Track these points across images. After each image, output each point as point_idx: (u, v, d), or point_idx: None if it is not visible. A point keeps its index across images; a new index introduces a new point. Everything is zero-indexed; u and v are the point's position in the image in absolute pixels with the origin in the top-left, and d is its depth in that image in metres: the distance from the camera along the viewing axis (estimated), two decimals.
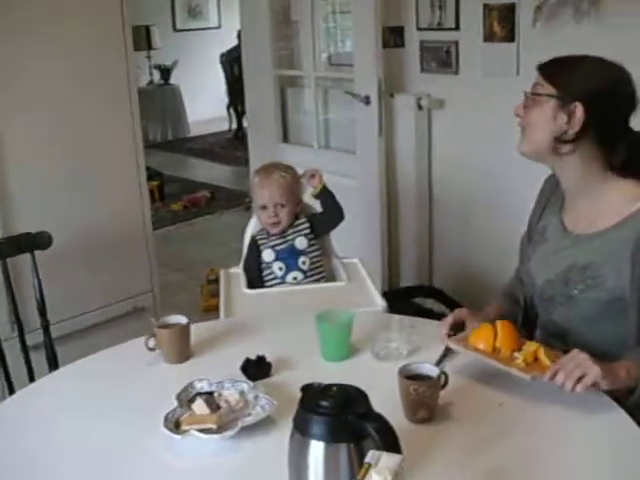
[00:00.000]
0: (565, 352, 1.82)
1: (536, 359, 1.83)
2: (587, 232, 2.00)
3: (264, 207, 2.84)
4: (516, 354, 1.85)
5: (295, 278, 2.81)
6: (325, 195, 2.93)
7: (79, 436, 1.76)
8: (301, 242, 2.85)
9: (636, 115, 1.95)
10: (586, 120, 1.91)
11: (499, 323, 1.92)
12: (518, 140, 2.04)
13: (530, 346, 1.86)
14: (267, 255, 2.86)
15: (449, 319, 2.06)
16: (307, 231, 2.87)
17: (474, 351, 1.90)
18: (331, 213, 2.94)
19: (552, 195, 2.17)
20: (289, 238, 2.85)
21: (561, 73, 1.97)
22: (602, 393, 1.76)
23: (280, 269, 2.82)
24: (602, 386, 1.72)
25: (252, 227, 3.00)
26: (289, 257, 2.83)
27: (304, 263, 2.83)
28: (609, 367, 1.73)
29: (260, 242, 2.88)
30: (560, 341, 2.02)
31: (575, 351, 1.76)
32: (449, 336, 2.01)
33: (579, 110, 1.90)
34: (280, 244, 2.85)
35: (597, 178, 1.97)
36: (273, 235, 2.86)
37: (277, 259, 2.84)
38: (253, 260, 2.88)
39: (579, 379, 1.70)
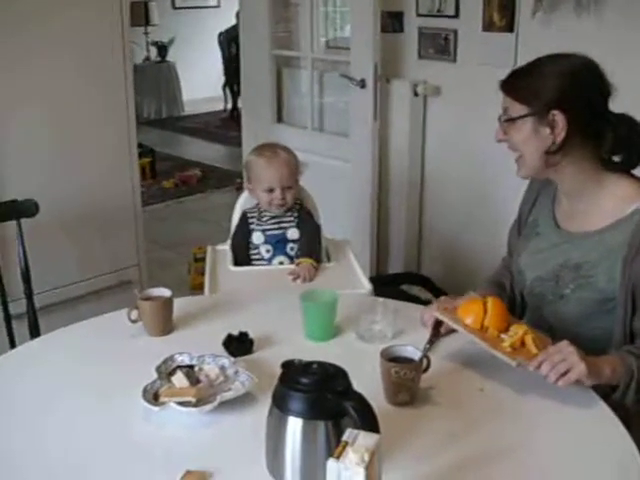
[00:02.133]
0: (553, 338, 1.83)
1: (523, 343, 1.82)
2: (580, 231, 1.99)
3: (271, 189, 2.77)
4: (503, 335, 1.83)
5: (281, 263, 2.78)
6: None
7: (57, 405, 1.75)
8: (293, 233, 2.80)
9: (614, 97, 1.93)
10: (569, 123, 1.88)
11: (490, 300, 1.89)
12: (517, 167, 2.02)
13: (518, 328, 1.84)
14: (256, 237, 2.81)
15: (433, 307, 2.06)
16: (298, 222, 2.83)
17: (462, 326, 1.87)
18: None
19: (542, 190, 2.16)
20: (283, 226, 2.80)
21: (526, 87, 1.93)
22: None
23: (267, 251, 2.79)
24: (585, 383, 1.71)
25: (240, 206, 2.98)
26: (278, 244, 2.79)
27: (292, 249, 2.79)
28: (595, 363, 1.73)
29: (250, 221, 2.84)
30: (549, 336, 2.01)
31: (564, 343, 1.74)
32: (435, 327, 2.00)
33: (559, 117, 1.88)
34: (272, 230, 2.81)
35: (592, 177, 1.96)
36: (265, 217, 2.81)
37: (266, 242, 2.80)
38: (242, 236, 2.84)
39: (563, 373, 1.69)
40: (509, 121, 1.95)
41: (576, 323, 2.00)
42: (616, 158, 1.97)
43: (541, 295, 2.08)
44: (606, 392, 1.80)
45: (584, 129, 1.91)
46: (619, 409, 1.74)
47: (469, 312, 1.89)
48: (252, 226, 2.84)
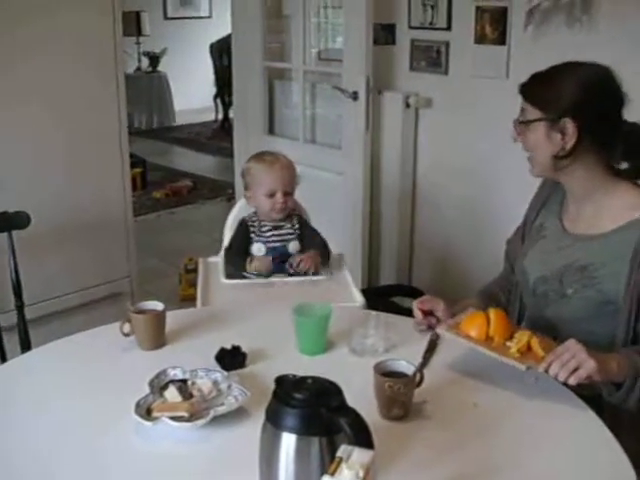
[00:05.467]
0: (555, 339, 1.86)
1: (529, 348, 1.83)
2: (587, 233, 2.03)
3: (272, 194, 2.74)
4: (509, 343, 1.85)
5: None
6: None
7: (47, 419, 1.73)
8: (294, 246, 2.77)
9: (628, 107, 1.98)
10: (579, 131, 1.93)
11: (492, 311, 1.92)
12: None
13: (522, 335, 1.85)
14: (257, 249, 2.76)
15: (425, 299, 2.14)
16: (299, 233, 2.81)
17: (466, 339, 1.89)
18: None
19: (551, 196, 2.20)
20: (285, 238, 2.77)
21: (542, 93, 1.99)
22: (575, 396, 1.78)
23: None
24: (595, 379, 1.73)
25: (234, 217, 2.97)
26: (278, 259, 2.74)
27: (291, 266, 2.76)
28: (602, 359, 1.75)
29: (251, 230, 2.77)
30: (552, 337, 2.03)
31: (571, 341, 1.76)
32: (430, 344, 2.03)
33: (569, 125, 1.94)
34: (275, 242, 2.76)
35: (601, 182, 2.01)
36: (265, 227, 2.76)
37: (266, 256, 2.74)
38: (241, 243, 2.77)
39: (573, 370, 1.71)
40: (523, 123, 2.00)
41: (577, 324, 2.02)
42: (626, 166, 2.02)
43: (543, 295, 2.10)
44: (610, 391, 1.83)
45: (594, 138, 1.96)
46: (623, 406, 1.81)
47: (472, 325, 1.91)
48: (252, 236, 2.78)
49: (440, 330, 1.96)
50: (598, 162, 1.99)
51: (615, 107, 1.97)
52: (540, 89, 2.00)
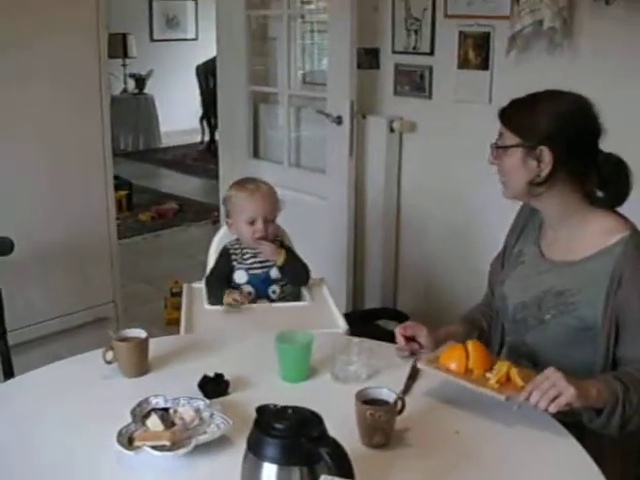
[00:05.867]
0: (535, 366, 1.89)
1: (508, 379, 1.84)
2: (564, 259, 2.04)
3: (252, 222, 2.75)
4: (488, 374, 1.86)
5: None
6: (289, 263, 2.80)
7: (29, 448, 1.73)
8: (276, 273, 2.78)
9: (603, 138, 2.00)
10: (555, 160, 1.95)
11: (470, 343, 1.93)
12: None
13: (502, 366, 1.86)
14: (239, 276, 2.77)
15: (408, 325, 2.15)
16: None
17: (446, 372, 1.90)
18: (298, 280, 2.85)
19: (528, 222, 2.22)
20: (267, 265, 2.77)
21: (521, 120, 2.01)
22: (558, 423, 1.78)
23: (249, 294, 2.74)
24: (575, 405, 1.74)
25: (217, 242, 2.97)
26: (261, 284, 2.76)
27: (274, 292, 2.76)
28: (582, 386, 1.76)
29: (233, 258, 2.80)
30: (530, 363, 2.05)
31: (550, 370, 1.77)
32: (412, 371, 2.03)
33: (546, 153, 1.95)
34: (256, 268, 2.77)
35: (577, 209, 2.03)
36: (247, 254, 2.78)
37: (248, 283, 2.76)
38: (223, 270, 2.79)
39: (554, 398, 1.72)
40: (501, 148, 2.02)
41: (556, 351, 2.03)
42: (601, 195, 2.03)
43: (523, 321, 2.12)
44: (591, 418, 1.84)
45: (569, 167, 1.98)
46: (604, 433, 1.81)
47: (452, 358, 1.92)
48: (234, 263, 2.79)
49: (420, 365, 1.97)
50: (573, 190, 2.01)
51: (592, 138, 1.99)
52: (519, 115, 2.02)
